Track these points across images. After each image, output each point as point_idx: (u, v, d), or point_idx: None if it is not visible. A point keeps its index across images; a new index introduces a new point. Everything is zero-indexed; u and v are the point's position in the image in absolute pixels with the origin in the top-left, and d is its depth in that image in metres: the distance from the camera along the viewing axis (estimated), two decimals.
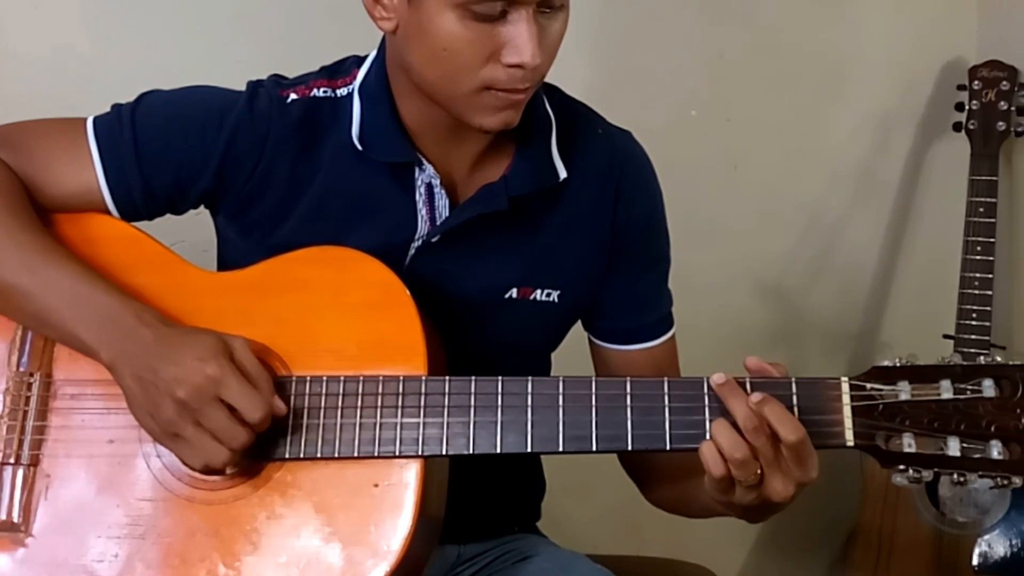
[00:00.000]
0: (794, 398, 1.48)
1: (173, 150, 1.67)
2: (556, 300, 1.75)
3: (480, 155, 1.70)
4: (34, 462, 1.59)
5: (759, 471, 1.44)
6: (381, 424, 1.53)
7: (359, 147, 1.67)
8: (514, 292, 1.72)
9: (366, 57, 1.74)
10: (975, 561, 2.69)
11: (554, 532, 1.96)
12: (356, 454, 1.53)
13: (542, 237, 1.73)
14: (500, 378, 1.54)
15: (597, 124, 1.80)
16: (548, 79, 1.66)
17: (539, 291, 1.74)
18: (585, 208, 1.74)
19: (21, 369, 1.62)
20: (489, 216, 1.67)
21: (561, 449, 1.53)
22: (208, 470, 1.53)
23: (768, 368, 1.50)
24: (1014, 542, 2.67)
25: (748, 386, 1.49)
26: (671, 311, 1.85)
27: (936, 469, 1.44)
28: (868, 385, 1.47)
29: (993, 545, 2.68)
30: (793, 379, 1.49)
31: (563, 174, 1.71)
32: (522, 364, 1.70)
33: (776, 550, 3.11)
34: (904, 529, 2.78)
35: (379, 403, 1.54)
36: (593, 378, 1.54)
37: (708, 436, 1.47)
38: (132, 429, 1.56)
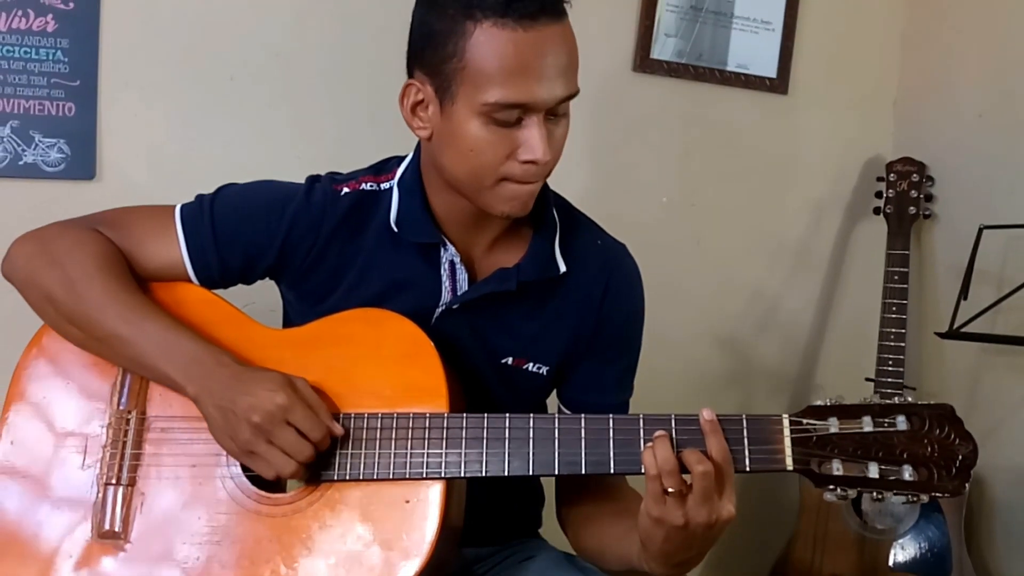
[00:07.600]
0: (744, 431, 1.47)
1: (244, 233, 1.67)
2: (545, 374, 1.73)
3: (495, 241, 1.69)
4: (131, 483, 1.58)
5: (687, 483, 1.42)
6: (411, 452, 1.52)
7: (395, 229, 1.66)
8: (510, 360, 1.71)
9: (405, 156, 1.73)
10: (891, 561, 2.67)
11: (553, 536, 1.94)
12: (391, 476, 1.52)
13: (540, 320, 1.71)
14: (508, 415, 1.53)
15: (597, 236, 1.77)
16: (555, 180, 1.65)
17: (531, 364, 1.71)
18: (578, 301, 1.72)
19: (121, 407, 1.62)
20: (500, 294, 1.66)
21: (557, 472, 1.52)
22: (277, 479, 1.52)
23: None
24: (922, 545, 2.65)
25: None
26: (628, 401, 1.79)
27: (859, 488, 1.44)
28: (804, 420, 1.46)
29: (906, 548, 2.67)
30: (744, 416, 1.48)
31: (563, 268, 1.69)
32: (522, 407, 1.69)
33: (732, 551, 3.08)
34: (834, 535, 2.76)
35: (409, 435, 1.53)
36: (583, 416, 1.53)
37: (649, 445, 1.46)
38: (210, 456, 1.57)
